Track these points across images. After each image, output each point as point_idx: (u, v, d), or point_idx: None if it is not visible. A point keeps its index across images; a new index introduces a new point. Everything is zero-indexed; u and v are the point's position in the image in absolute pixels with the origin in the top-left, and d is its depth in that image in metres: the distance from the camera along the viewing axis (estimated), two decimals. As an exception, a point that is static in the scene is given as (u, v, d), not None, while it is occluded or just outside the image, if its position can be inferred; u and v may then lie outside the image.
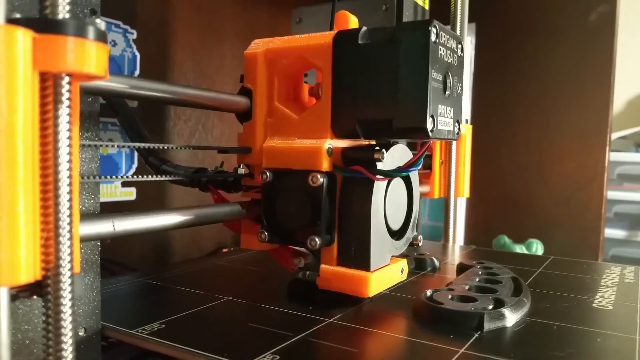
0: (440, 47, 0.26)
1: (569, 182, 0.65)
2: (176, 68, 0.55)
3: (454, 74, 0.28)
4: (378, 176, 0.27)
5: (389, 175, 0.28)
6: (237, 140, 0.32)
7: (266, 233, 0.29)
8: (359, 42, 0.27)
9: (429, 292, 0.29)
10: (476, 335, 0.25)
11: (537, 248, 0.60)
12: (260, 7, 0.66)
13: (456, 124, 0.29)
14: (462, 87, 0.29)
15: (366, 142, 0.30)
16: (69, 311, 0.16)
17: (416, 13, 0.50)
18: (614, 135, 1.01)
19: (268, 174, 0.29)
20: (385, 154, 0.27)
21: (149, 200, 0.52)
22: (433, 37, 0.25)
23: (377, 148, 0.27)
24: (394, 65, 0.26)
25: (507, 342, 0.25)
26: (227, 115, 0.61)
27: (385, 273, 0.29)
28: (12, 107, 0.14)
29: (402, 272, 0.31)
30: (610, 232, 0.96)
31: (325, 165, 0.28)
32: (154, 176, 0.26)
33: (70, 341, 0.16)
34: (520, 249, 0.59)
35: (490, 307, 0.27)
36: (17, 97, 0.14)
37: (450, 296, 0.28)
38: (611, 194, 0.89)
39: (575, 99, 0.64)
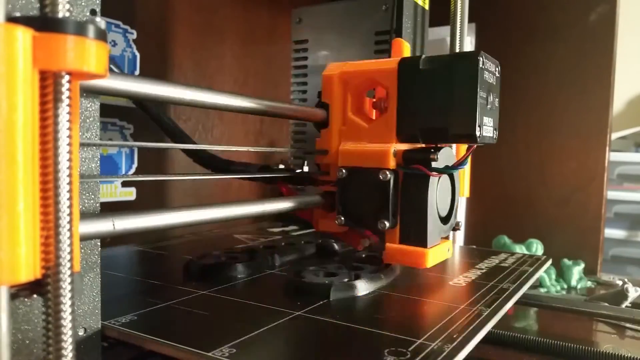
0: (485, 71, 0.32)
1: (569, 182, 0.65)
2: (176, 68, 0.55)
3: (493, 91, 0.34)
4: (433, 173, 0.33)
5: (442, 172, 0.34)
6: (314, 144, 0.39)
7: (342, 218, 0.36)
8: (421, 67, 0.33)
9: (300, 270, 0.35)
10: (321, 302, 0.30)
11: (537, 248, 0.60)
12: (260, 7, 0.66)
13: (494, 131, 0.35)
14: (499, 101, 0.35)
15: (419, 146, 0.36)
16: (69, 310, 0.16)
17: (416, 13, 0.50)
18: (614, 135, 1.01)
19: (344, 171, 0.36)
20: (439, 155, 0.33)
21: (149, 200, 0.52)
22: (481, 65, 0.31)
23: (432, 150, 0.34)
24: (449, 86, 0.32)
25: (342, 308, 0.30)
26: (227, 116, 0.61)
27: (438, 250, 0.35)
28: (12, 105, 0.14)
29: (448, 250, 0.37)
30: (610, 232, 0.96)
31: (392, 164, 0.34)
32: (154, 176, 0.26)
33: (70, 340, 0.16)
34: (520, 249, 0.59)
35: (346, 280, 0.33)
36: (17, 96, 0.14)
37: (316, 273, 0.34)
38: (611, 194, 0.89)
39: (575, 99, 0.64)
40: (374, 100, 0.38)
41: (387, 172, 0.34)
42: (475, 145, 0.34)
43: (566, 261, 0.56)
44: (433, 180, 0.34)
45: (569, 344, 0.33)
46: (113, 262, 0.40)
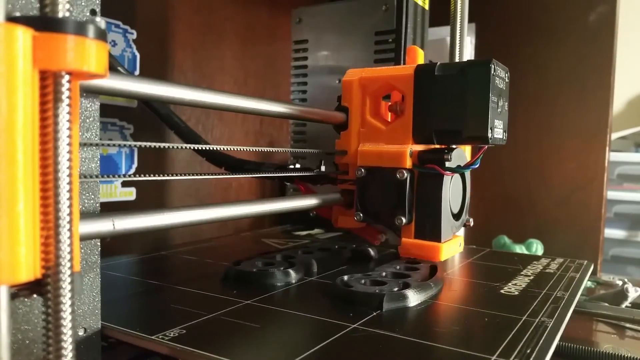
0: (496, 77, 0.34)
1: (569, 182, 0.65)
2: (176, 68, 0.55)
3: (503, 96, 0.36)
4: (447, 172, 0.36)
5: (455, 171, 0.36)
6: (334, 145, 0.41)
7: (361, 214, 0.38)
8: (436, 73, 0.35)
9: (345, 278, 0.33)
10: (374, 313, 0.29)
11: (537, 248, 0.60)
12: (260, 7, 0.66)
13: (504, 133, 0.36)
14: (508, 105, 0.37)
15: (432, 147, 0.38)
16: (69, 310, 0.16)
17: (416, 13, 0.50)
18: (614, 135, 1.01)
19: (363, 170, 0.38)
20: (452, 155, 0.35)
21: (149, 200, 0.52)
22: (492, 71, 0.33)
23: (446, 151, 0.36)
24: (463, 90, 0.34)
25: (398, 320, 0.28)
26: (226, 116, 0.61)
27: (450, 244, 0.37)
28: (12, 105, 0.14)
29: (460, 245, 0.40)
30: (610, 232, 0.96)
31: (408, 163, 0.36)
32: (154, 176, 0.26)
33: (70, 340, 0.16)
34: (520, 249, 0.59)
35: (396, 289, 0.31)
36: (17, 96, 0.14)
37: (363, 281, 0.33)
38: (611, 194, 0.89)
39: (575, 99, 0.64)
40: (390, 103, 0.40)
41: (404, 171, 0.36)
42: (486, 147, 0.36)
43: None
44: (446, 179, 0.36)
45: (569, 344, 0.33)
46: (145, 269, 0.40)
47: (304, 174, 0.41)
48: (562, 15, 0.65)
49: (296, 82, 0.57)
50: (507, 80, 0.36)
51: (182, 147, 0.31)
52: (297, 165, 0.45)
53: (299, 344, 0.24)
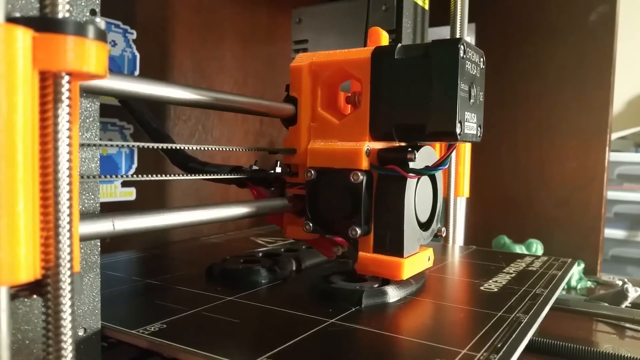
0: (467, 61, 0.29)
1: (569, 182, 0.65)
2: (176, 68, 0.55)
3: (477, 84, 0.31)
4: (410, 174, 0.31)
5: (420, 173, 0.31)
6: (283, 142, 0.36)
7: (311, 224, 0.33)
8: (396, 57, 0.30)
9: (328, 275, 0.33)
10: (353, 309, 0.29)
11: (537, 248, 0.60)
12: (260, 7, 0.66)
13: (479, 128, 0.32)
14: (483, 95, 0.32)
15: (396, 144, 0.33)
16: (69, 310, 0.16)
17: (416, 13, 0.50)
18: (614, 135, 1.01)
19: (312, 172, 0.32)
20: (417, 155, 0.30)
21: (149, 200, 0.52)
22: (461, 53, 0.28)
23: (410, 149, 0.31)
24: (427, 77, 0.29)
25: (375, 315, 0.28)
26: (226, 116, 0.61)
27: (416, 259, 0.32)
28: (12, 106, 0.14)
29: (428, 259, 0.34)
30: (610, 232, 0.96)
31: (365, 164, 0.31)
32: (153, 176, 0.26)
33: (70, 341, 0.16)
34: (520, 249, 0.59)
35: (376, 285, 0.31)
36: (17, 96, 0.14)
37: (345, 277, 0.33)
38: (611, 194, 0.89)
39: (575, 99, 0.64)
40: (348, 94, 0.35)
41: (359, 174, 0.30)
42: (457, 144, 0.31)
43: (566, 261, 0.56)
44: (410, 182, 0.31)
45: (569, 344, 0.33)
46: (130, 267, 0.40)
47: (248, 177, 0.36)
48: (562, 14, 0.65)
49: (296, 82, 0.57)
50: (482, 66, 0.31)
51: (182, 148, 0.31)
52: (255, 167, 0.39)
53: (274, 338, 0.24)
